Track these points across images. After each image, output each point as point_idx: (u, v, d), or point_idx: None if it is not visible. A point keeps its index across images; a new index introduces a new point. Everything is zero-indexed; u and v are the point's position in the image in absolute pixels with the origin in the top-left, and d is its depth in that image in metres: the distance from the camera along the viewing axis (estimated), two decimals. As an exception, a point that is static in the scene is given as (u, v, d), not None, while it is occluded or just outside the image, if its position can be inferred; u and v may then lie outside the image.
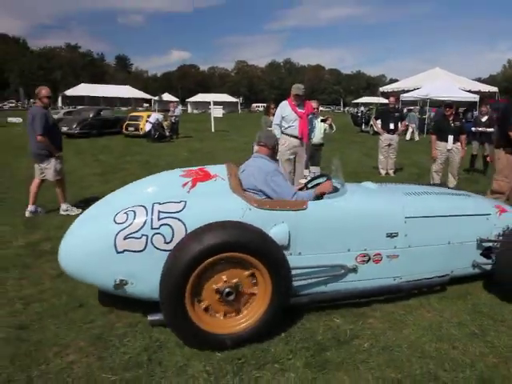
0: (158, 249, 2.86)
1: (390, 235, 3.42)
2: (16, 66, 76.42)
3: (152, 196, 3.14)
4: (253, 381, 2.57)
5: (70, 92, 50.78)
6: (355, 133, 22.94)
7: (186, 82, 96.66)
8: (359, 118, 25.35)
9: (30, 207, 6.00)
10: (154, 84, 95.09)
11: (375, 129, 12.15)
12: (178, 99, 58.64)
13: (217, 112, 25.05)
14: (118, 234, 2.86)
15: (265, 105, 9.06)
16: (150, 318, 2.99)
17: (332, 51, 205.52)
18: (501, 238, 3.78)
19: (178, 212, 2.91)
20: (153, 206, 2.95)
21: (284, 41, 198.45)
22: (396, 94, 16.00)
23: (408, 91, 23.89)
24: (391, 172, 9.96)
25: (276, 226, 3.05)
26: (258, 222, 2.96)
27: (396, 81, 41.70)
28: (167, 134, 17.91)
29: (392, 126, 9.85)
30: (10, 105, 67.75)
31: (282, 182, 3.38)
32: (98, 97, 48.56)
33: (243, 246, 2.79)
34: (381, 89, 26.92)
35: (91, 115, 20.21)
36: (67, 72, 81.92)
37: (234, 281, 2.89)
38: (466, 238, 3.76)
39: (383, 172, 9.98)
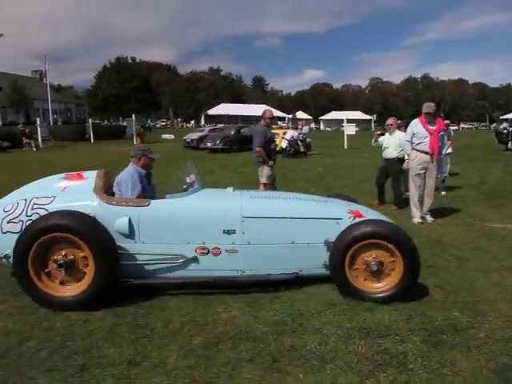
0: None
1: (228, 232, 3.93)
2: (167, 90, 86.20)
3: (35, 192, 4.09)
4: (376, 345, 3.19)
5: (211, 111, 55.54)
6: (500, 151, 21.41)
7: (319, 100, 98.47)
8: (504, 135, 23.52)
9: None
10: (289, 103, 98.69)
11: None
12: (311, 117, 60.16)
13: (350, 130, 25.55)
14: (4, 219, 3.90)
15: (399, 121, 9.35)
16: None
17: (477, 64, 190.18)
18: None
19: (47, 204, 3.90)
20: (31, 200, 3.95)
21: (421, 55, 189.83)
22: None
23: None
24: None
25: (120, 218, 3.82)
26: (105, 214, 3.82)
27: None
28: (302, 150, 19.00)
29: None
30: (162, 123, 76.43)
31: (133, 185, 4.16)
32: (236, 115, 52.28)
33: (70, 228, 3.60)
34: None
35: (232, 132, 22.38)
36: (210, 93, 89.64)
37: (70, 257, 3.70)
38: (313, 239, 4.03)
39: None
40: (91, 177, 4.29)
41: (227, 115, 53.27)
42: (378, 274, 3.88)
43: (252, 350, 3.11)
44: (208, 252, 3.95)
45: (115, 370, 2.84)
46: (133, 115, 32.76)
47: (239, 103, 68.88)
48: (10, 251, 3.72)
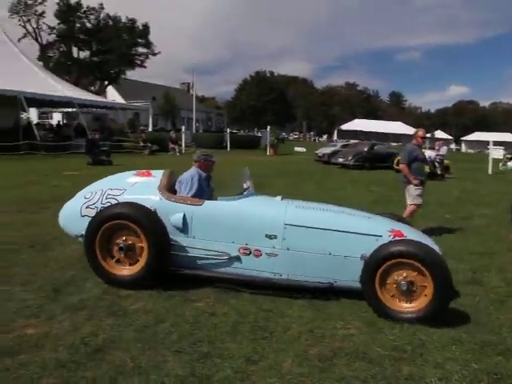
0: None
1: (269, 236, 4.20)
2: (302, 103, 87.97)
3: (111, 184, 4.73)
4: None
5: (345, 126, 55.20)
6: None
7: (463, 119, 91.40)
8: None
9: None
10: (427, 121, 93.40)
11: None
12: (451, 137, 56.14)
13: (496, 153, 23.29)
14: (84, 205, 4.55)
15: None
16: None
17: None
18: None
19: (118, 195, 4.49)
20: (106, 190, 4.57)
21: None
22: None
23: None
24: None
25: (176, 214, 4.27)
26: (164, 209, 4.31)
27: None
28: (439, 172, 17.88)
29: None
30: (295, 136, 78.20)
31: (191, 185, 4.66)
32: (370, 132, 51.18)
33: (130, 217, 4.14)
34: None
35: (366, 149, 21.99)
36: (344, 108, 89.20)
37: (129, 242, 4.24)
38: (350, 253, 4.13)
39: None
40: (158, 175, 4.84)
41: (361, 131, 52.44)
42: (408, 294, 3.89)
43: (367, 370, 3.08)
44: (250, 253, 4.26)
45: (234, 364, 3.05)
46: (268, 127, 34.12)
47: (374, 119, 67.35)
48: (84, 232, 4.36)
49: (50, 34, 45.93)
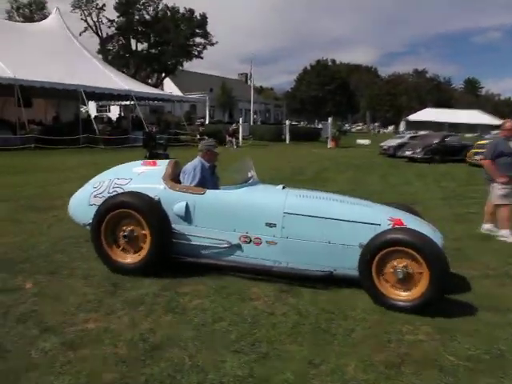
0: None
1: (269, 225, 4.41)
2: (366, 93, 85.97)
3: (118, 174, 5.06)
4: None
5: (413, 117, 53.39)
6: None
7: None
8: None
9: (486, 225, 6.94)
10: (507, 108, 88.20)
11: None
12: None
13: None
14: (92, 194, 4.91)
15: None
16: None
17: None
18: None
19: (124, 185, 4.81)
20: (113, 180, 4.91)
21: None
22: None
23: None
24: None
25: (179, 203, 4.56)
26: (168, 198, 4.60)
27: None
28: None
29: None
30: (357, 127, 76.84)
31: (194, 174, 4.90)
32: (441, 122, 49.10)
33: (132, 206, 4.44)
34: None
35: (436, 141, 21.13)
36: (412, 97, 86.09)
37: (129, 229, 4.54)
38: (349, 241, 4.30)
39: None
40: (163, 165, 5.12)
41: (431, 121, 50.42)
42: (405, 282, 4.00)
43: (438, 380, 2.97)
44: (250, 241, 4.49)
45: (294, 366, 3.05)
46: (329, 118, 33.71)
47: (446, 108, 64.53)
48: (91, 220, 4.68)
49: (109, 27, 48.08)
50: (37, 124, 23.83)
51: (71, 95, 24.38)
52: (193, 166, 5.05)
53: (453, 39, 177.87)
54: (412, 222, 4.45)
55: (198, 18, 49.15)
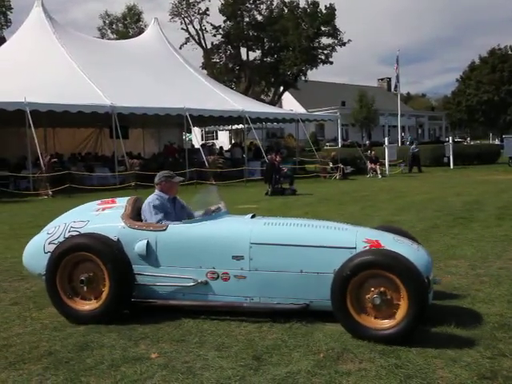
0: None
1: (236, 257, 5.02)
2: None
3: (74, 217, 5.84)
4: None
5: None
6: None
7: None
8: None
9: None
10: None
11: None
12: None
13: None
14: (46, 241, 5.54)
15: None
16: None
17: None
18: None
19: (81, 227, 5.49)
20: (69, 223, 5.59)
21: None
22: None
23: None
24: None
25: (139, 241, 5.24)
26: (128, 237, 5.30)
27: None
28: None
29: None
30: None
31: (150, 211, 5.60)
32: None
33: (89, 248, 5.07)
34: None
35: None
36: None
37: (91, 275, 5.12)
38: (323, 269, 4.84)
39: None
40: (122, 203, 5.93)
41: None
42: (384, 309, 4.45)
43: None
44: (218, 277, 5.10)
45: None
46: None
47: None
48: None
49: (214, 36, 51.49)
50: (135, 158, 25.80)
51: (173, 121, 26.17)
52: (147, 202, 5.78)
53: None
54: (393, 244, 4.92)
55: (324, 11, 50.34)
